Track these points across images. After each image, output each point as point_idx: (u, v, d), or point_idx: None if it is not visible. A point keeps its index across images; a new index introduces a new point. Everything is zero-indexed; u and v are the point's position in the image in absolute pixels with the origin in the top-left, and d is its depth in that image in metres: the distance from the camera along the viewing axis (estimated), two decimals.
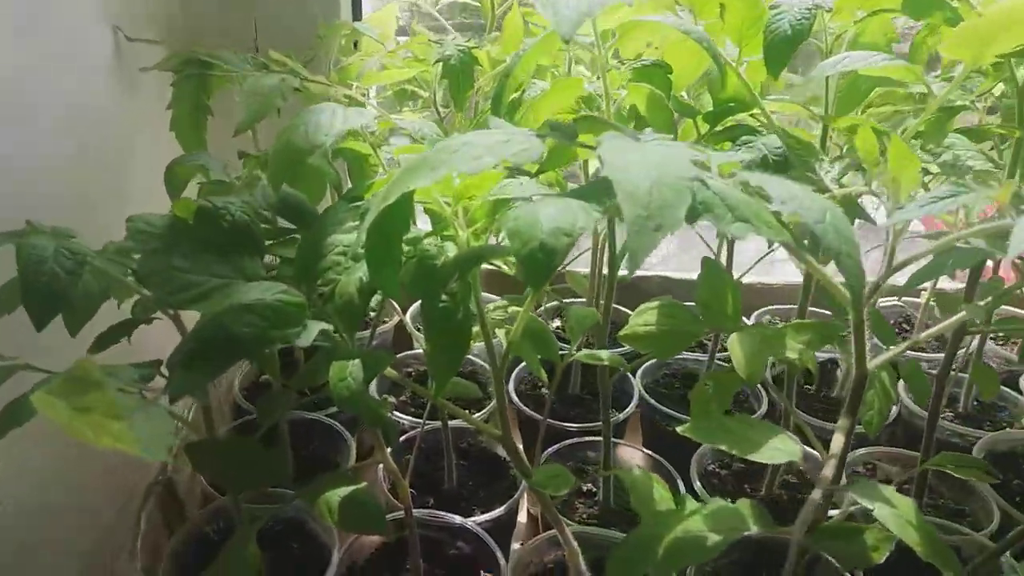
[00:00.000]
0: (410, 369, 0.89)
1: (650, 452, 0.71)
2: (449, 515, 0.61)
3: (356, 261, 0.36)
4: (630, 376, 0.83)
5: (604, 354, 0.51)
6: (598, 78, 0.49)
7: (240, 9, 0.81)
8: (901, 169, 0.37)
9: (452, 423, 0.67)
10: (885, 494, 0.31)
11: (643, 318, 0.45)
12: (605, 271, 0.66)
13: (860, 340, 0.35)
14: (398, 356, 0.86)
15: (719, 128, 0.51)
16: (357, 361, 0.35)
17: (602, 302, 0.61)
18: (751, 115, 0.51)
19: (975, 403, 0.82)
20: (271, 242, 0.43)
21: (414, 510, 0.52)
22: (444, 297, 0.32)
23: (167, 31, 0.75)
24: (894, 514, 0.30)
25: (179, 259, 0.34)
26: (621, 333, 0.46)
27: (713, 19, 0.47)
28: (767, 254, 0.77)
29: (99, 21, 0.62)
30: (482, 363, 0.86)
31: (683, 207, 0.25)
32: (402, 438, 0.72)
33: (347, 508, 0.41)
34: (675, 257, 1.19)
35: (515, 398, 0.78)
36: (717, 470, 0.71)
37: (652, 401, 0.78)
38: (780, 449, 0.37)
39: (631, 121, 0.53)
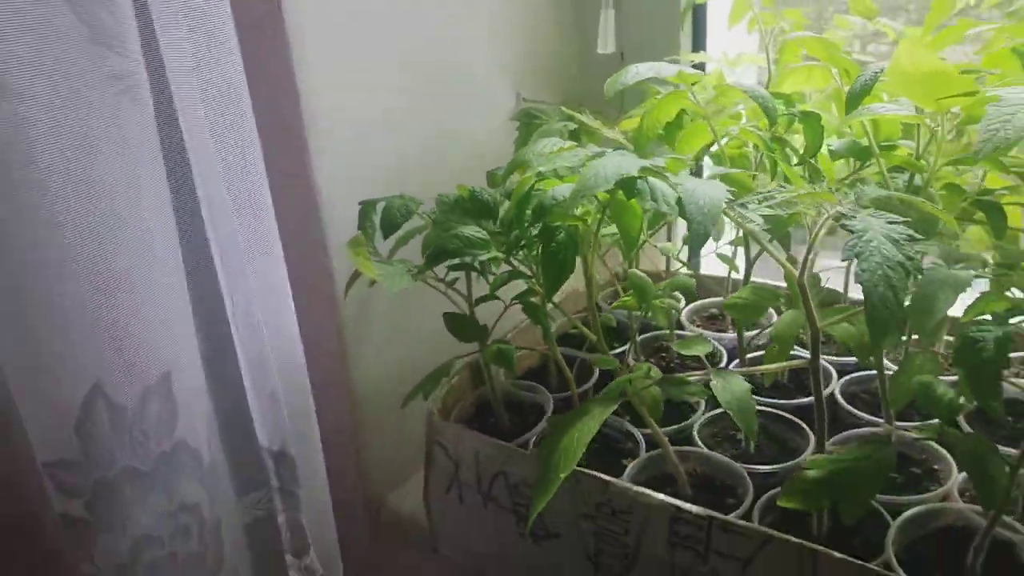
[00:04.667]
0: None
1: None
2: None
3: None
4: None
5: None
6: None
7: None
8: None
9: None
10: (728, 377, 0.47)
11: (739, 293, 0.64)
12: None
13: (806, 301, 0.50)
14: None
15: None
16: None
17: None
18: None
19: None
20: None
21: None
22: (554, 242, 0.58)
23: (561, 93, 1.10)
24: (724, 386, 0.46)
25: (453, 216, 0.67)
26: (725, 303, 0.65)
27: None
28: None
29: (507, 87, 1.00)
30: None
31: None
32: None
33: None
34: None
35: None
36: None
37: None
38: None
39: None
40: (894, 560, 0.57)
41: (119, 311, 0.51)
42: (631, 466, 0.70)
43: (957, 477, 0.65)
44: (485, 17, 0.94)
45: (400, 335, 0.88)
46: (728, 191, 0.48)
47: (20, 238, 0.47)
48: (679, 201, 0.48)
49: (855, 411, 0.74)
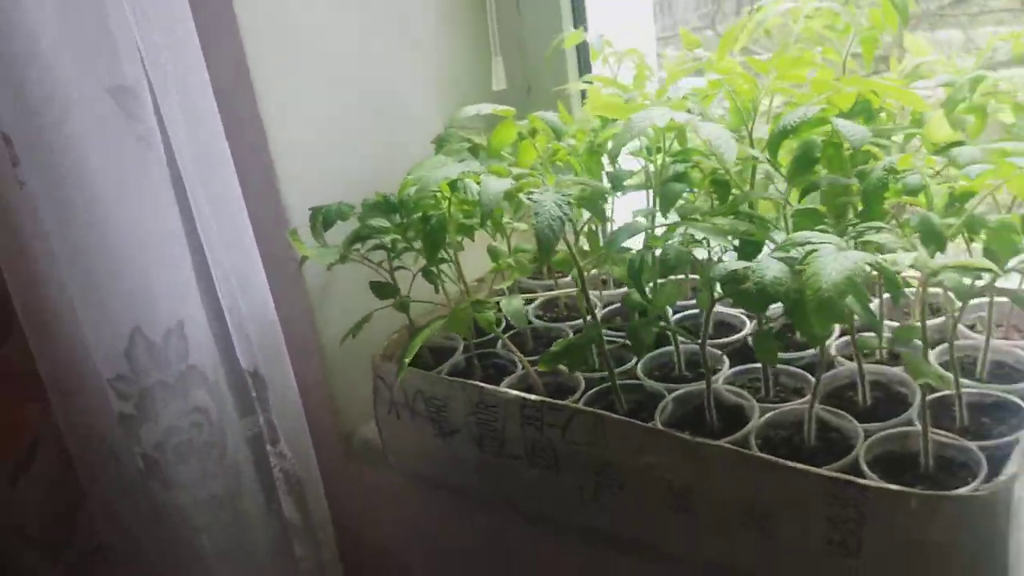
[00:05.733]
0: None
1: None
2: None
3: None
4: None
5: None
6: None
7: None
8: None
9: None
10: (512, 299, 0.77)
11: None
12: None
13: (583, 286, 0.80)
14: None
15: None
16: None
17: None
18: None
19: None
20: None
21: None
22: None
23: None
24: (507, 303, 0.77)
25: (372, 214, 0.98)
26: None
27: None
28: None
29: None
30: None
31: None
32: None
33: None
34: None
35: None
36: None
37: None
38: None
39: None
40: (659, 421, 0.86)
41: (150, 278, 0.84)
42: (505, 381, 1.00)
43: (727, 371, 0.94)
44: (420, 59, 1.25)
45: (359, 302, 1.19)
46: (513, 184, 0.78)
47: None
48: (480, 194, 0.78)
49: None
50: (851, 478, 0.70)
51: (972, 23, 1.18)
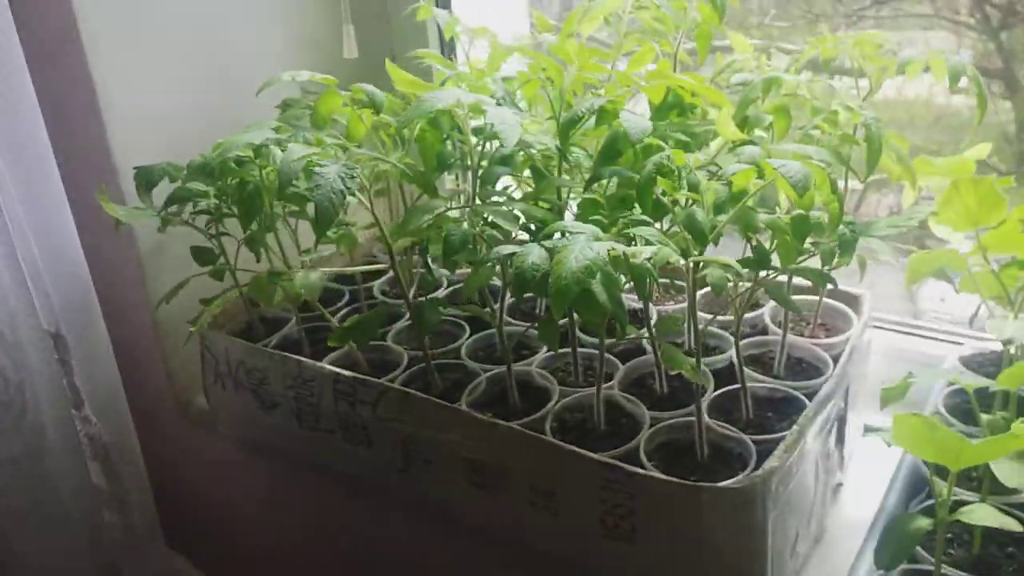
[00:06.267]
0: None
1: None
2: None
3: None
4: None
5: None
6: None
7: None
8: None
9: None
10: (308, 272, 0.77)
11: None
12: None
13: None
14: None
15: None
16: None
17: None
18: None
19: None
20: None
21: None
22: None
23: None
24: (304, 276, 0.76)
25: (195, 177, 0.95)
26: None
27: None
28: None
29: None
30: None
31: None
32: None
33: None
34: None
35: None
36: None
37: None
38: None
39: None
40: (465, 400, 0.87)
41: None
42: (329, 356, 0.99)
43: (542, 355, 0.96)
44: (272, 24, 1.22)
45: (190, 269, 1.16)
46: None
47: None
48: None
49: None
50: (618, 463, 0.72)
51: (894, 25, 1.20)
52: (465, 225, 0.71)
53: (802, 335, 0.97)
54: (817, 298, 0.96)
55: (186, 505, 1.19)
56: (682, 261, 0.61)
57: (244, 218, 0.88)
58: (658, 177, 0.69)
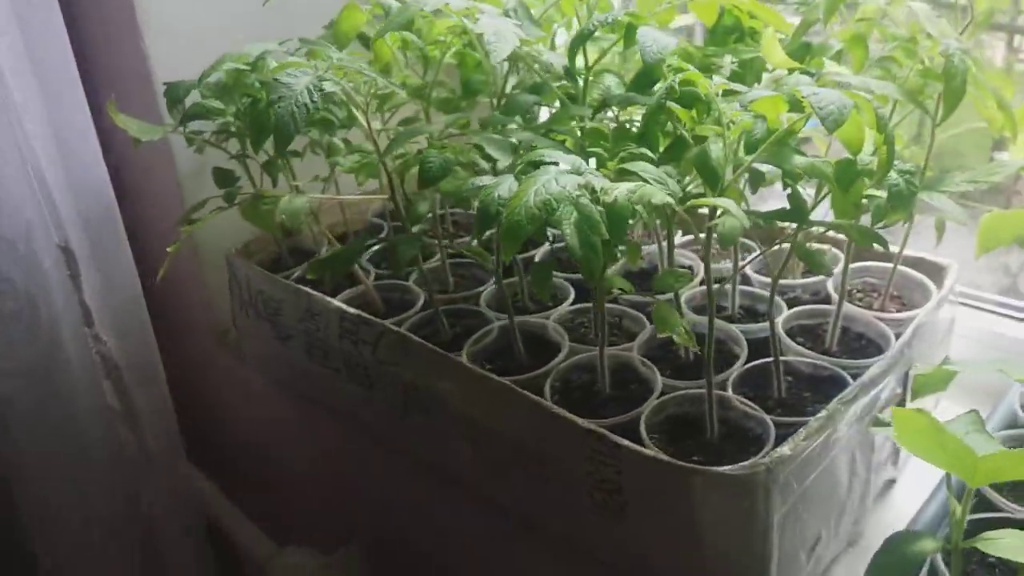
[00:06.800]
0: None
1: None
2: None
3: None
4: None
5: None
6: None
7: None
8: None
9: None
10: (292, 197, 0.71)
11: None
12: None
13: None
14: None
15: None
16: None
17: None
18: None
19: None
20: None
21: None
22: None
23: None
24: (288, 201, 0.70)
25: (216, 95, 0.92)
26: None
27: None
28: None
29: None
30: None
31: None
32: None
33: None
34: None
35: None
36: None
37: None
38: None
39: None
40: (467, 350, 0.80)
41: None
42: (345, 292, 0.94)
43: (564, 309, 0.87)
44: None
45: None
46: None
47: None
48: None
49: None
50: (605, 432, 0.63)
51: None
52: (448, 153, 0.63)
53: (871, 308, 0.84)
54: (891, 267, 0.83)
55: (211, 428, 1.18)
56: (672, 203, 0.51)
57: (255, 138, 0.83)
58: (678, 107, 0.58)
